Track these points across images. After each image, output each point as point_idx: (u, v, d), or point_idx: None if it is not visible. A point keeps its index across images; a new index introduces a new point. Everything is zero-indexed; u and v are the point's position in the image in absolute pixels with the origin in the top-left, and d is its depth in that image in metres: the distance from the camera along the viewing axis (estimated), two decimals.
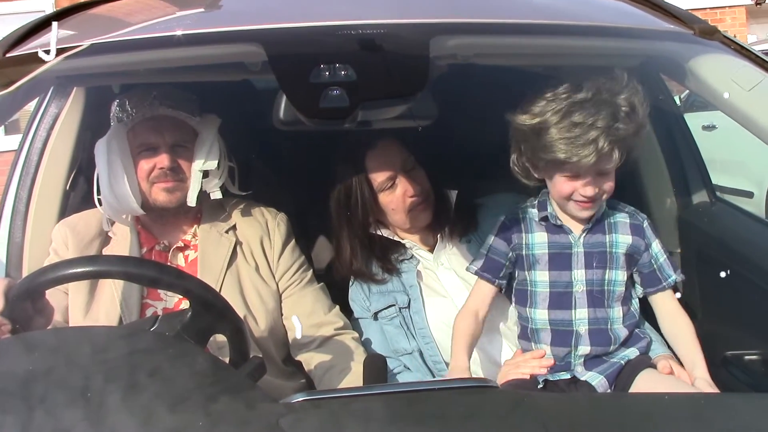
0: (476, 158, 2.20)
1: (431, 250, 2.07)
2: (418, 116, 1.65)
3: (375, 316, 2.03)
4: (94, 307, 1.86)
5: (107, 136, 1.90)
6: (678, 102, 5.23)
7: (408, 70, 1.43)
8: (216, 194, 1.96)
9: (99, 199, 1.91)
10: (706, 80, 1.64)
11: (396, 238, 2.08)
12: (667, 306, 1.84)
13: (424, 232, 2.09)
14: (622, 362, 1.79)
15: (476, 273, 1.88)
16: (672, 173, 2.22)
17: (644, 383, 1.72)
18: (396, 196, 2.00)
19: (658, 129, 2.22)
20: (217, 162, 1.93)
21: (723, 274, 1.79)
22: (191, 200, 1.91)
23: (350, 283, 2.10)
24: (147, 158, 1.89)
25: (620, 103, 1.67)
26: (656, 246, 1.85)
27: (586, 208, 1.76)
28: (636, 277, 1.87)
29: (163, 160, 1.88)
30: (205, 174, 1.93)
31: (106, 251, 1.93)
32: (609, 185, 1.74)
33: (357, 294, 2.08)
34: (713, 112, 7.88)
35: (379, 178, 2.00)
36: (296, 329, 1.91)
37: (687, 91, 7.42)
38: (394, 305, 2.01)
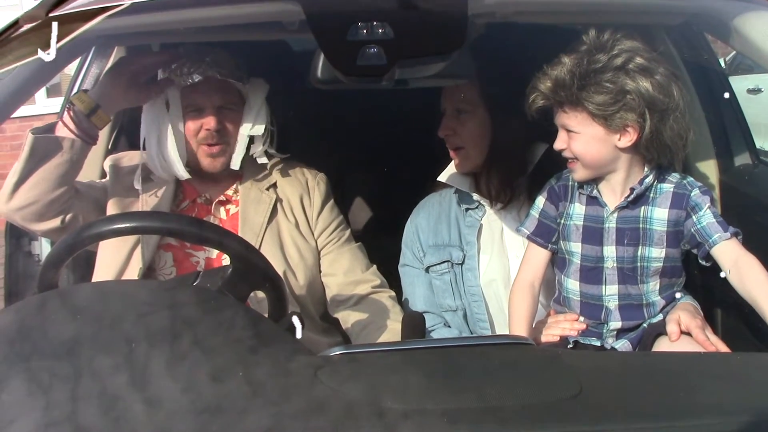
0: None
1: (504, 204, 1.97)
2: (456, 75, 1.64)
3: (427, 269, 2.02)
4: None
5: (161, 98, 1.94)
6: (723, 64, 5.10)
7: (446, 28, 1.42)
8: (262, 159, 2.02)
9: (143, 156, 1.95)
10: (752, 40, 1.58)
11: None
12: (723, 261, 1.69)
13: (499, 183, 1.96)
14: (646, 326, 1.76)
15: (528, 237, 1.84)
16: (714, 135, 2.17)
17: (663, 347, 1.68)
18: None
19: (701, 90, 2.17)
20: (264, 127, 1.97)
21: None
22: (236, 164, 1.97)
23: (406, 227, 2.08)
24: (194, 119, 1.93)
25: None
26: (703, 212, 1.71)
27: (572, 168, 1.74)
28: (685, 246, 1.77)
29: (209, 121, 1.92)
30: (251, 139, 1.98)
31: (143, 195, 1.97)
32: (575, 146, 1.69)
33: (413, 242, 2.05)
34: (760, 75, 7.68)
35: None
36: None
37: (733, 53, 7.26)
38: (448, 261, 1.98)
